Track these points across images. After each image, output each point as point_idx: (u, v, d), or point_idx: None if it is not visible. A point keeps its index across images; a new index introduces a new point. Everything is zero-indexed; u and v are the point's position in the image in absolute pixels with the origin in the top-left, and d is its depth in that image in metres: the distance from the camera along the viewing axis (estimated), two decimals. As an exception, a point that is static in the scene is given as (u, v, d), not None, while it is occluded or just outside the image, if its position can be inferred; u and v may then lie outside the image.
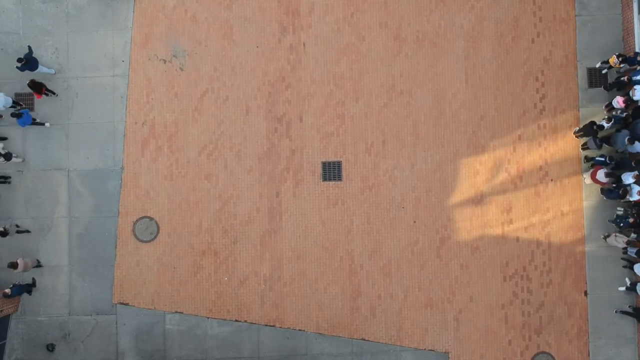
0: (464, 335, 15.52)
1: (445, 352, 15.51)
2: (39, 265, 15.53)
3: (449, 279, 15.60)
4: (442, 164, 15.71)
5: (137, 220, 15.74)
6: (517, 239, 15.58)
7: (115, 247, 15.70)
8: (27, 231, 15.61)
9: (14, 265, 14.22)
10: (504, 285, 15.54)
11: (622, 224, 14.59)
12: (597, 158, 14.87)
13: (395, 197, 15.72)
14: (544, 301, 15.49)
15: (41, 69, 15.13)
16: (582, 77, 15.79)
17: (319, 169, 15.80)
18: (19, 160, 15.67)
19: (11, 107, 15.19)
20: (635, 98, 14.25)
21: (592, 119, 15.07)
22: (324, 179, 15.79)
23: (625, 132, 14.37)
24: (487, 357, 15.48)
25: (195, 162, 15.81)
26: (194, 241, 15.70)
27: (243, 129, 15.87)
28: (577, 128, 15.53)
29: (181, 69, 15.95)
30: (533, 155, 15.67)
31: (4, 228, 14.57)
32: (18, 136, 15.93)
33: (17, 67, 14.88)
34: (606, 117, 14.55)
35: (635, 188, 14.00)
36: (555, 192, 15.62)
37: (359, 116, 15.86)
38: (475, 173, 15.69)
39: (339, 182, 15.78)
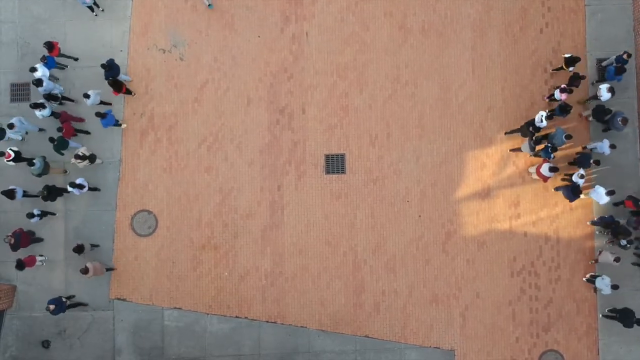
0: (470, 332, 15.14)
1: (451, 350, 15.13)
2: (110, 269, 15.05)
3: (454, 274, 15.22)
4: (448, 157, 15.34)
5: (135, 214, 15.35)
6: (525, 234, 15.20)
7: (113, 242, 15.31)
8: (97, 245, 15.16)
9: (85, 271, 13.63)
10: (511, 281, 15.16)
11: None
12: (543, 152, 14.33)
13: (400, 190, 15.34)
14: (552, 297, 15.11)
15: (121, 76, 14.72)
16: (591, 68, 15.44)
17: (321, 162, 15.42)
18: (100, 161, 15.21)
19: (99, 104, 14.69)
20: (602, 99, 14.03)
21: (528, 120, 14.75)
22: (327, 172, 15.41)
23: (561, 129, 14.06)
24: (494, 354, 15.10)
25: (195, 155, 15.43)
26: (193, 235, 15.31)
27: (244, 120, 15.49)
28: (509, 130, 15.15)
29: (181, 59, 15.57)
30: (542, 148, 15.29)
31: (79, 244, 14.07)
32: (13, 127, 15.56)
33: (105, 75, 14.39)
34: (544, 114, 13.93)
35: (600, 189, 13.69)
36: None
37: (363, 108, 15.49)
38: (482, 166, 15.33)
39: (342, 175, 15.40)
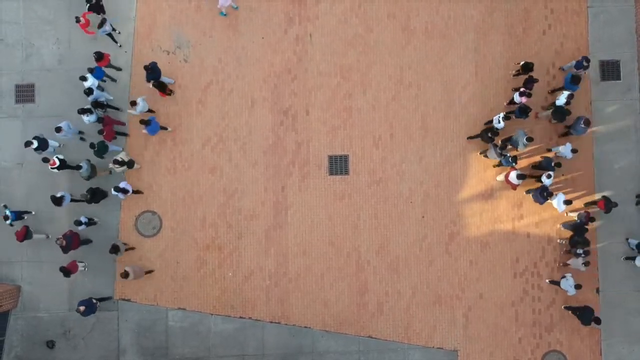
0: (473, 333, 15.19)
1: (454, 350, 15.18)
2: (149, 271, 15.13)
3: (458, 275, 15.27)
4: (451, 158, 15.39)
5: (139, 215, 15.40)
6: (528, 235, 15.26)
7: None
8: (133, 248, 15.20)
9: (125, 275, 13.64)
10: (514, 282, 15.21)
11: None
12: (504, 160, 14.37)
13: (403, 191, 15.40)
14: (555, 298, 15.16)
15: (163, 78, 14.78)
16: (594, 70, 15.49)
17: (325, 163, 15.48)
18: (139, 166, 15.27)
19: (147, 111, 14.78)
20: (557, 102, 14.12)
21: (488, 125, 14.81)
22: (331, 173, 15.47)
23: (521, 131, 14.12)
24: (497, 355, 15.15)
25: (199, 155, 15.48)
26: (197, 236, 15.36)
27: (248, 121, 15.55)
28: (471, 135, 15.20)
29: (185, 61, 15.63)
30: (545, 150, 15.35)
31: (114, 245, 14.10)
32: (18, 128, 15.62)
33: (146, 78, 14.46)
34: (501, 115, 13.95)
35: (561, 197, 13.76)
36: (567, 187, 15.29)
37: (366, 109, 15.55)
38: (485, 167, 15.38)
39: (345, 176, 15.46)
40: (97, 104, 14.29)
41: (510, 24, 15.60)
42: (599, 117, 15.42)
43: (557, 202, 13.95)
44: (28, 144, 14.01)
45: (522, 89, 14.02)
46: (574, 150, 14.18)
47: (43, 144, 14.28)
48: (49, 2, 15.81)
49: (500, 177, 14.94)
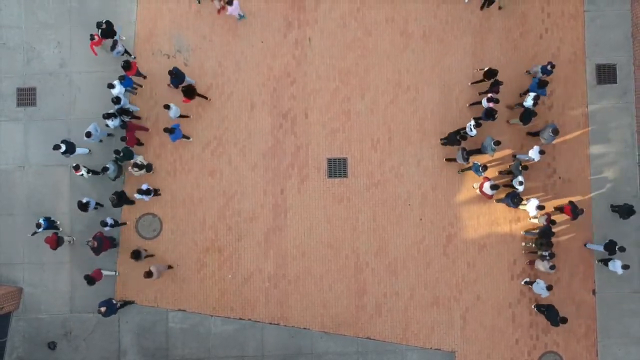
0: (470, 334, 15.33)
1: (451, 352, 15.32)
2: (169, 267, 15.30)
3: (455, 277, 15.41)
4: (449, 161, 15.51)
5: (140, 217, 15.53)
6: (525, 237, 15.38)
7: (118, 244, 15.49)
8: (152, 255, 15.32)
9: (149, 274, 13.78)
10: (511, 283, 15.35)
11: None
12: (474, 169, 14.52)
13: (402, 194, 15.53)
14: (552, 300, 15.27)
15: (187, 80, 14.96)
16: (590, 74, 15.63)
17: (324, 166, 15.61)
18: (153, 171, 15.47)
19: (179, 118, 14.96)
20: (525, 105, 14.26)
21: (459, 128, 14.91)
22: (330, 176, 15.61)
23: (489, 137, 14.26)
24: (494, 356, 15.29)
25: (199, 158, 15.61)
26: (197, 238, 15.50)
27: (247, 124, 15.68)
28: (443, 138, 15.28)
29: (185, 64, 15.75)
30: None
31: (136, 250, 14.28)
32: (20, 131, 15.76)
33: (170, 83, 14.57)
34: (473, 123, 14.10)
35: (534, 202, 13.88)
36: (563, 190, 15.44)
37: (364, 112, 15.68)
38: (482, 170, 15.46)
39: (344, 179, 15.60)
40: (123, 111, 14.44)
41: (508, 28, 15.73)
42: (595, 120, 15.56)
43: (530, 206, 14.03)
44: (56, 147, 14.19)
45: (489, 95, 14.16)
46: (541, 152, 14.20)
47: (70, 148, 14.45)
48: (50, 6, 15.95)
49: (476, 185, 15.04)
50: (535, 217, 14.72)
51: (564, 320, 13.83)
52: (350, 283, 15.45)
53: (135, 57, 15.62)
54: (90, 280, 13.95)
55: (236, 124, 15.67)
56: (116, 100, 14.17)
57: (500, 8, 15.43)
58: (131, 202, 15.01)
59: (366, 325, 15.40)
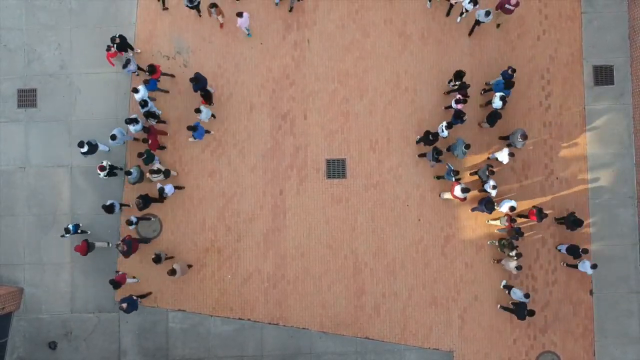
0: (468, 334, 15.42)
1: (449, 351, 15.42)
2: (189, 265, 15.40)
3: (453, 277, 15.50)
4: (447, 162, 15.56)
5: (140, 218, 15.61)
6: (523, 238, 15.46)
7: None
8: (172, 257, 15.37)
9: (172, 272, 13.91)
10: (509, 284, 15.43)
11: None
12: (446, 174, 14.65)
13: (400, 195, 15.62)
14: (549, 300, 15.40)
15: (212, 89, 15.12)
16: (588, 75, 15.72)
17: (323, 167, 15.70)
18: (175, 173, 15.46)
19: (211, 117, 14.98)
20: (494, 106, 14.36)
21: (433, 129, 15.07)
22: (328, 177, 15.70)
23: (461, 139, 14.35)
24: (492, 356, 15.38)
25: (198, 160, 15.70)
26: (197, 239, 15.59)
27: (247, 126, 15.77)
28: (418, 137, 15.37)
29: (185, 66, 15.84)
30: (538, 153, 15.59)
31: (157, 254, 14.37)
32: (20, 132, 15.85)
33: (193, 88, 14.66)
34: (444, 124, 14.20)
35: (508, 203, 13.95)
36: (561, 190, 15.53)
37: (363, 113, 15.77)
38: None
39: (343, 180, 15.68)
40: (149, 114, 14.53)
41: (505, 30, 15.82)
42: (592, 122, 15.65)
43: (503, 207, 14.13)
44: (81, 144, 14.24)
45: (457, 97, 14.27)
46: (510, 155, 14.26)
47: (92, 149, 14.52)
48: (50, 8, 16.04)
49: (446, 195, 15.11)
50: (496, 219, 14.82)
51: (532, 313, 13.88)
52: (349, 283, 15.54)
53: (147, 72, 15.54)
54: (116, 284, 14.14)
55: (235, 125, 15.76)
56: (143, 103, 14.22)
57: (498, 26, 15.53)
58: (160, 200, 15.01)
59: (365, 325, 15.49)
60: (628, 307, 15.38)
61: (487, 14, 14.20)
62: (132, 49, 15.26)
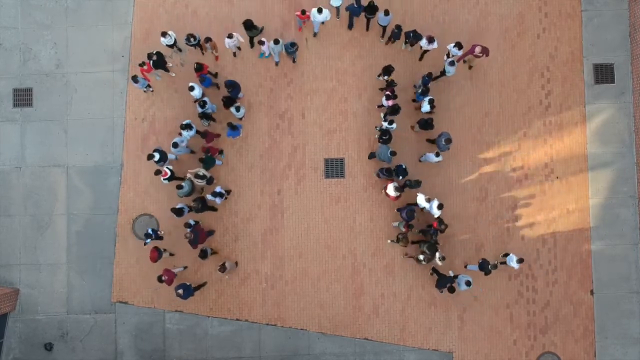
0: (468, 334, 15.30)
1: (449, 352, 15.29)
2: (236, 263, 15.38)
3: (453, 277, 15.36)
4: (446, 161, 15.46)
5: (136, 218, 15.51)
6: (522, 237, 15.36)
7: (115, 245, 15.48)
8: (216, 252, 15.30)
9: (223, 269, 13.83)
10: (508, 284, 15.31)
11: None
12: (381, 171, 14.61)
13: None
14: (550, 300, 15.27)
15: (241, 94, 15.03)
16: (588, 74, 15.61)
17: (321, 166, 15.58)
18: (216, 181, 15.27)
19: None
20: (423, 110, 14.34)
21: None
22: (327, 176, 15.57)
23: (385, 146, 14.29)
24: (491, 357, 15.25)
25: (195, 159, 15.55)
26: (194, 239, 15.46)
27: (244, 125, 15.64)
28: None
29: (182, 65, 15.72)
30: (538, 153, 15.48)
31: (204, 249, 14.28)
32: (16, 132, 15.74)
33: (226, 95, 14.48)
34: (386, 123, 14.21)
35: (435, 202, 13.79)
36: (561, 190, 15.42)
37: (362, 112, 15.65)
38: (479, 170, 15.47)
39: (341, 179, 15.56)
40: (204, 115, 14.37)
41: (505, 28, 15.71)
42: (592, 120, 15.54)
43: (430, 206, 13.89)
44: (150, 157, 13.97)
45: (387, 93, 14.24)
46: (436, 154, 14.21)
47: (164, 156, 14.29)
48: (46, 7, 15.93)
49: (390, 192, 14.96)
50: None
51: (452, 290, 13.86)
52: (348, 284, 15.42)
53: (152, 89, 15.54)
54: (169, 282, 14.09)
55: (233, 125, 15.62)
56: (202, 104, 14.01)
57: (470, 68, 15.44)
58: (214, 209, 15.04)
59: (364, 326, 15.37)
60: (629, 307, 15.26)
61: (452, 64, 14.14)
62: (166, 70, 15.00)
